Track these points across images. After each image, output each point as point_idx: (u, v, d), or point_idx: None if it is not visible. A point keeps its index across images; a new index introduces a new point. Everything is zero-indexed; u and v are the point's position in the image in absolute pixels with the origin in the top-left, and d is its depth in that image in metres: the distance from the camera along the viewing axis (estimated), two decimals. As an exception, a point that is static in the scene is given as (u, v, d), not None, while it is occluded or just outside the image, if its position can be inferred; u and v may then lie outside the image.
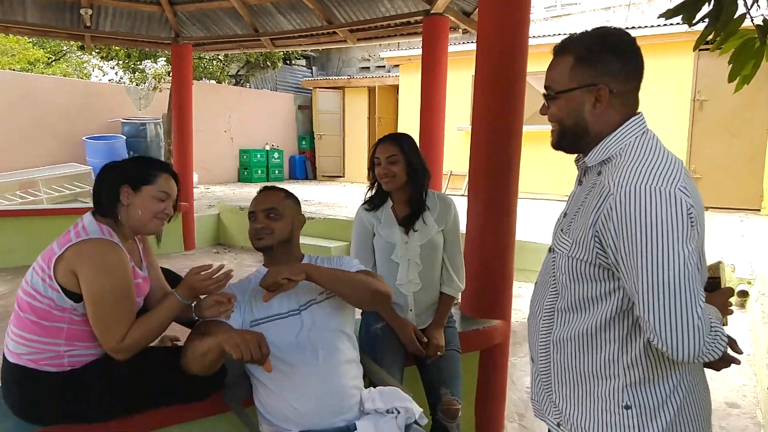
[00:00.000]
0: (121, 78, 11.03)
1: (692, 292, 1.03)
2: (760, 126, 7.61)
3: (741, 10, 1.98)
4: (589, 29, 1.24)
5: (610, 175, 1.13)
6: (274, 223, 1.83)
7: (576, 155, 1.32)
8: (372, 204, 2.28)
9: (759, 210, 7.59)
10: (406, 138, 2.25)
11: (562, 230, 1.26)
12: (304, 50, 14.41)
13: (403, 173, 2.17)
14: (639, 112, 1.22)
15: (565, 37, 1.26)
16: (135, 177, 1.72)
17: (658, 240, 1.03)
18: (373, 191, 2.29)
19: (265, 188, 1.95)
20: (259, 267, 1.90)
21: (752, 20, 2.02)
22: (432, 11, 4.94)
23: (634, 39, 1.20)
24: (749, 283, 4.27)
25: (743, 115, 7.75)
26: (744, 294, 4.35)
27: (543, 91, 1.29)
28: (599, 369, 1.19)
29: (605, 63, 1.18)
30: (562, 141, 1.28)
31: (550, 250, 1.33)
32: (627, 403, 1.16)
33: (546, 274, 1.32)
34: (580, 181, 1.30)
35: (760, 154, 7.58)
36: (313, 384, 1.67)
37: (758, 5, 2.03)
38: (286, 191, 1.94)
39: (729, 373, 3.40)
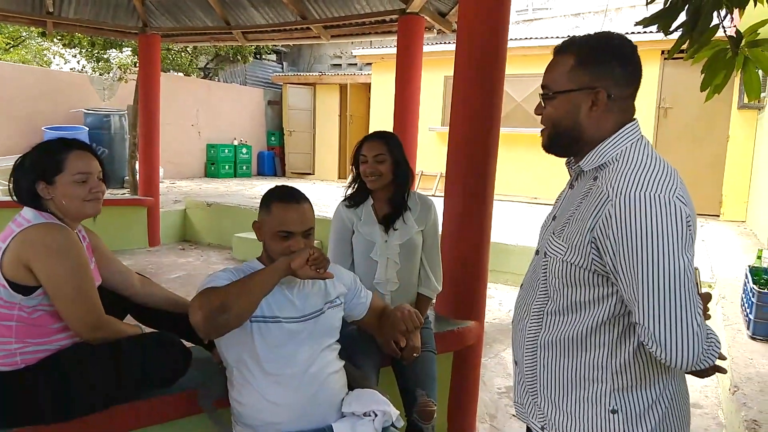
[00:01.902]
0: (84, 67, 10.66)
1: (692, 300, 1.04)
2: (720, 134, 7.87)
3: (714, 21, 2.03)
4: (592, 32, 1.23)
5: (607, 181, 1.13)
6: (310, 243, 1.66)
7: (566, 159, 1.32)
8: (353, 201, 2.25)
9: (718, 216, 7.85)
10: (393, 137, 2.24)
11: (554, 233, 1.24)
12: (276, 45, 14.24)
13: (389, 172, 2.16)
14: (634, 119, 1.22)
15: (566, 38, 1.25)
16: (44, 170, 1.62)
17: (659, 247, 1.03)
18: (354, 188, 2.26)
19: (291, 197, 1.67)
20: (249, 263, 1.75)
21: (725, 31, 2.07)
22: (408, 10, 4.94)
23: (635, 46, 1.20)
24: (710, 286, 4.40)
25: (705, 123, 8.00)
26: (708, 296, 4.47)
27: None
28: (587, 373, 1.19)
29: (606, 66, 1.17)
30: (554, 143, 1.26)
31: (538, 252, 1.32)
32: (614, 408, 1.17)
33: (535, 276, 1.31)
34: (571, 185, 1.30)
35: (720, 162, 7.84)
36: (301, 392, 1.64)
37: (731, 17, 2.08)
38: (308, 199, 1.72)
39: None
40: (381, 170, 2.14)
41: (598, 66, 1.18)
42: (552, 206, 1.39)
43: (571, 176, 1.32)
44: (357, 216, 2.22)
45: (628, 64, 1.19)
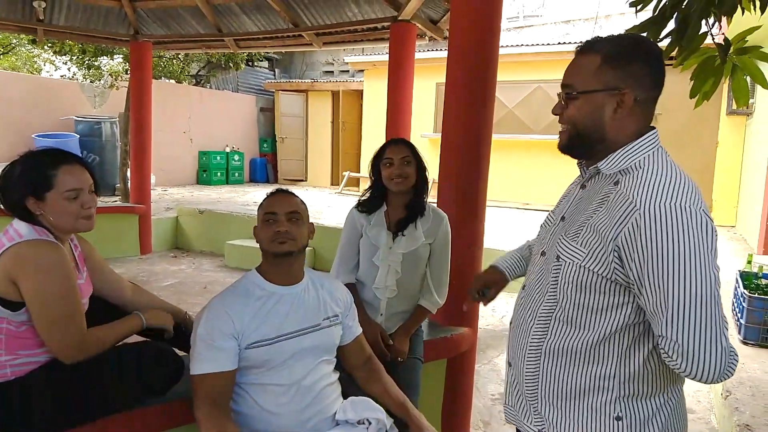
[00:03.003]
0: (75, 74, 10.60)
1: (720, 314, 1.02)
2: (710, 140, 7.95)
3: (703, 29, 2.05)
4: (616, 33, 1.20)
5: (633, 188, 1.09)
6: (297, 229, 1.67)
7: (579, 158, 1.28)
8: (366, 206, 2.27)
9: (708, 220, 7.91)
10: (411, 143, 2.27)
11: (566, 236, 1.20)
12: (268, 52, 14.25)
13: (414, 175, 2.18)
14: (654, 127, 1.20)
15: (592, 38, 1.22)
16: (34, 186, 1.57)
17: (689, 260, 1.01)
18: (369, 195, 2.28)
19: (280, 191, 1.76)
20: (248, 275, 1.73)
21: (713, 39, 2.10)
22: (399, 18, 4.95)
23: (662, 50, 1.18)
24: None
25: (695, 129, 8.08)
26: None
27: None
28: (594, 383, 1.17)
29: (633, 67, 1.14)
30: (574, 144, 1.22)
31: (543, 254, 1.28)
32: (618, 415, 1.15)
33: (542, 279, 1.26)
34: (583, 186, 1.26)
35: (710, 167, 7.91)
36: (296, 401, 1.63)
37: (719, 25, 2.10)
38: (298, 196, 1.78)
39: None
40: (408, 172, 2.16)
41: (625, 66, 1.14)
42: (557, 205, 1.34)
43: (582, 176, 1.28)
44: (368, 220, 2.25)
45: (655, 68, 1.16)
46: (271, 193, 1.76)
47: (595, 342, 1.16)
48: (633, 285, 1.09)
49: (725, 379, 1.05)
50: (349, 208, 2.35)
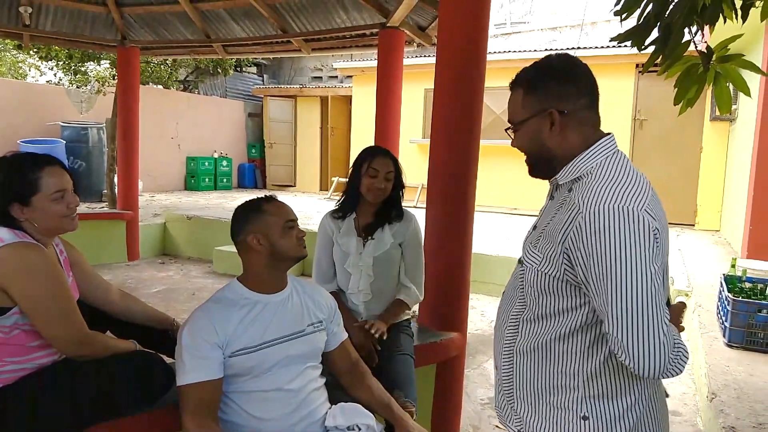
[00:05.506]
0: (61, 79, 10.50)
1: (658, 310, 1.07)
2: (694, 145, 8.06)
3: (686, 37, 2.09)
4: (535, 61, 1.29)
5: (579, 194, 1.16)
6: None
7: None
8: (339, 213, 2.31)
9: (693, 225, 8.01)
10: (393, 155, 2.30)
11: (531, 244, 1.29)
12: (256, 58, 14.23)
13: (390, 188, 2.24)
14: (610, 133, 1.26)
15: (517, 73, 1.31)
16: (18, 191, 1.56)
17: (625, 259, 1.06)
18: (344, 199, 2.31)
19: (274, 197, 1.79)
20: (230, 285, 1.72)
21: (696, 47, 2.14)
22: (388, 24, 4.99)
23: (572, 62, 1.26)
24: (687, 295, 4.48)
25: (679, 134, 8.18)
26: (682, 306, 4.55)
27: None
28: (559, 380, 1.22)
29: (547, 88, 1.24)
30: (534, 169, 1.33)
31: (520, 262, 1.35)
32: (585, 414, 1.20)
33: (514, 285, 1.35)
34: (551, 196, 1.34)
35: (695, 172, 8.02)
36: (283, 407, 1.63)
37: (702, 33, 2.15)
38: None
39: (670, 382, 3.55)
40: (389, 187, 2.22)
41: (541, 90, 1.25)
42: (533, 218, 1.42)
43: (551, 188, 1.36)
44: (338, 227, 2.29)
45: (568, 81, 1.24)
46: (268, 200, 1.74)
47: (558, 341, 1.22)
48: (582, 285, 1.16)
49: (674, 374, 1.09)
50: None
